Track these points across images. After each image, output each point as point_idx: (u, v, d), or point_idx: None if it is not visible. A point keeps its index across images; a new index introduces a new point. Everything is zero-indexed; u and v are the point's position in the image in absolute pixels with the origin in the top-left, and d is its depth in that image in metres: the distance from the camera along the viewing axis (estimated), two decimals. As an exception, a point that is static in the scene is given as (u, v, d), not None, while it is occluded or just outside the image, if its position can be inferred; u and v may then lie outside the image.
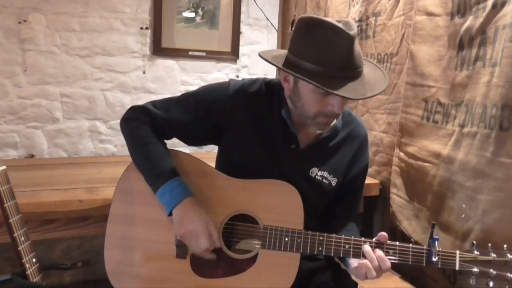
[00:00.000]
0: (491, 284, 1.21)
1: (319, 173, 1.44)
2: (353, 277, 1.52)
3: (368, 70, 1.31)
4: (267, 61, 1.31)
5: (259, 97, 1.44)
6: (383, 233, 1.28)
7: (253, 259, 1.34)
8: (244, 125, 1.43)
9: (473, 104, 1.58)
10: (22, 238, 1.34)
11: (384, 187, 2.15)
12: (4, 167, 1.34)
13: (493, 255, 1.23)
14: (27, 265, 1.34)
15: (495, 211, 1.46)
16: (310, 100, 1.30)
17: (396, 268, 2.04)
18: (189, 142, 1.54)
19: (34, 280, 1.36)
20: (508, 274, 1.20)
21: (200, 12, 2.99)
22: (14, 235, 1.32)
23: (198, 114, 1.44)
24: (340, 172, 1.46)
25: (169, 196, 1.34)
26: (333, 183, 1.45)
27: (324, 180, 1.44)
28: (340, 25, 1.21)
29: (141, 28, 2.86)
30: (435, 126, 1.78)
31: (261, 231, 1.34)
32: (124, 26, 2.82)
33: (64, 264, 1.55)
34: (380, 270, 1.23)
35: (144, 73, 2.92)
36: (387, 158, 2.13)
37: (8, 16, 2.55)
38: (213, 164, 1.52)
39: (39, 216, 1.66)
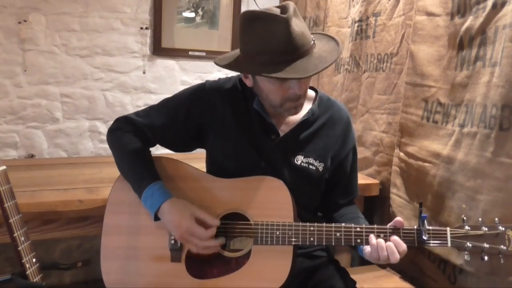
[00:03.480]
0: (485, 258, 1.22)
1: (304, 160, 1.45)
2: (352, 276, 1.52)
3: (322, 43, 1.33)
4: (219, 65, 1.34)
5: (235, 93, 1.48)
6: (399, 219, 1.28)
7: (247, 256, 1.35)
8: (225, 122, 1.45)
9: (473, 104, 1.58)
10: (22, 238, 1.34)
11: (384, 187, 2.15)
12: (4, 167, 1.34)
13: (485, 228, 1.23)
14: (27, 265, 1.34)
15: (495, 211, 1.46)
16: (271, 90, 1.33)
17: (397, 268, 2.04)
18: (174, 147, 1.55)
19: (34, 280, 1.36)
20: (502, 246, 1.20)
21: (200, 12, 2.99)
22: (14, 235, 1.32)
23: (178, 117, 1.47)
24: (325, 156, 1.47)
25: (151, 201, 1.36)
26: (320, 168, 1.46)
27: (311, 166, 1.45)
28: (274, 11, 1.24)
29: (141, 28, 2.86)
30: (435, 126, 1.78)
31: (252, 227, 1.35)
32: (124, 26, 2.82)
33: (64, 264, 1.55)
34: (394, 253, 1.23)
35: (144, 73, 2.92)
36: (387, 158, 2.13)
37: (8, 16, 2.55)
38: (201, 165, 1.53)
39: (39, 216, 1.66)
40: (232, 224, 1.38)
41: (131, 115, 1.52)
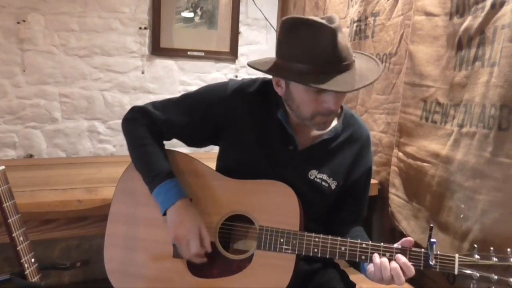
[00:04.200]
0: None
1: (318, 176, 1.42)
2: (351, 276, 1.52)
3: (361, 62, 1.30)
4: (253, 67, 1.30)
5: (257, 97, 1.43)
6: (409, 239, 1.25)
7: (249, 259, 1.34)
8: (242, 126, 1.42)
9: (472, 104, 1.59)
10: (21, 238, 1.34)
11: (383, 187, 2.15)
12: (3, 167, 1.34)
13: (495, 259, 1.18)
14: (26, 265, 1.34)
15: (494, 211, 1.46)
16: (304, 101, 1.29)
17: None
18: (188, 143, 1.54)
19: (33, 280, 1.36)
20: (511, 279, 1.16)
21: (199, 12, 2.99)
22: (13, 235, 1.32)
23: (196, 115, 1.44)
24: (340, 175, 1.44)
25: (164, 197, 1.35)
26: (333, 186, 1.43)
27: (323, 183, 1.42)
28: (321, 20, 1.20)
29: (140, 28, 2.86)
30: (434, 126, 1.78)
31: (256, 231, 1.34)
32: (123, 26, 2.81)
33: (63, 264, 1.55)
34: (400, 276, 1.19)
35: (143, 73, 2.92)
36: (386, 158, 2.13)
37: (7, 16, 2.54)
38: (213, 164, 1.52)
39: (38, 216, 1.66)
40: (237, 226, 1.38)
41: (148, 106, 1.48)
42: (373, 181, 2.18)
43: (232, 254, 1.37)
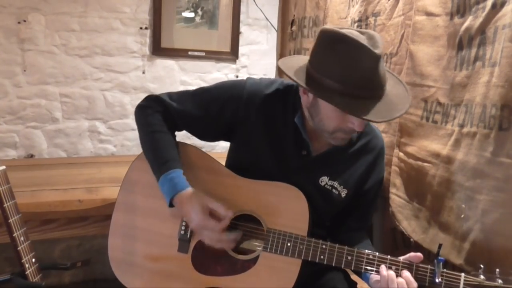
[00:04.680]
0: None
1: (329, 183, 1.41)
2: (353, 277, 1.52)
3: (391, 84, 1.27)
4: (289, 77, 1.27)
5: (275, 99, 1.42)
6: (418, 254, 1.25)
7: (254, 260, 1.34)
8: (256, 127, 1.41)
9: (472, 104, 1.58)
10: (22, 238, 1.34)
11: (384, 187, 2.14)
12: (4, 167, 1.34)
13: (500, 281, 1.18)
14: (27, 265, 1.34)
15: (494, 211, 1.46)
16: (330, 117, 1.27)
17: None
18: (200, 136, 1.53)
19: (34, 280, 1.36)
20: None
21: (200, 12, 2.99)
22: (14, 235, 1.32)
23: (211, 110, 1.43)
24: (351, 183, 1.43)
25: (168, 186, 1.34)
26: (343, 194, 1.42)
27: (334, 190, 1.42)
28: (364, 41, 1.16)
29: (141, 28, 2.86)
30: (435, 126, 1.78)
31: (264, 233, 1.34)
32: (123, 26, 2.82)
33: (63, 264, 1.56)
34: None
35: (143, 73, 2.92)
36: (386, 158, 2.12)
37: (7, 16, 2.55)
38: (223, 161, 1.52)
39: (38, 216, 1.66)
40: (244, 226, 1.38)
41: (164, 95, 1.48)
42: (373, 181, 2.18)
43: (237, 253, 1.37)
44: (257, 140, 1.41)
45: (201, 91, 1.48)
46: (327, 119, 1.28)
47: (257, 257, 1.33)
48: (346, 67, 1.17)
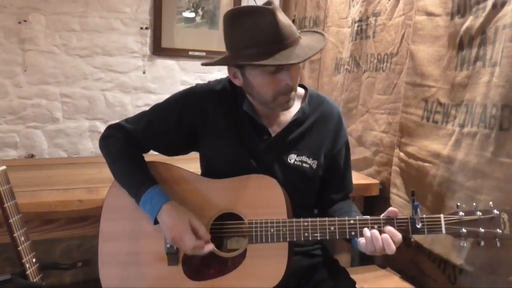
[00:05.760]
0: (482, 243, 1.22)
1: (297, 158, 1.45)
2: (352, 275, 1.52)
3: (307, 37, 1.35)
4: (206, 64, 1.37)
5: (225, 95, 1.47)
6: (394, 209, 1.28)
7: (243, 255, 1.35)
8: (216, 125, 1.45)
9: (473, 104, 1.58)
10: (22, 238, 1.34)
11: (384, 187, 2.15)
12: (4, 167, 1.34)
13: (479, 213, 1.23)
14: (27, 265, 1.34)
15: (495, 211, 1.46)
16: (262, 84, 1.33)
17: (397, 268, 2.04)
18: (168, 152, 1.55)
19: (34, 280, 1.36)
20: (497, 230, 1.20)
21: (200, 12, 2.99)
22: (14, 235, 1.32)
23: (170, 122, 1.46)
24: (318, 153, 1.47)
25: (150, 205, 1.35)
26: (314, 166, 1.46)
27: (304, 164, 1.45)
28: (259, 5, 1.27)
29: (141, 28, 2.86)
30: (435, 126, 1.78)
31: (246, 226, 1.35)
32: (124, 26, 2.81)
33: (64, 264, 1.56)
34: (390, 245, 1.23)
35: (144, 73, 2.92)
36: (387, 158, 2.13)
37: (8, 16, 2.55)
38: (194, 165, 1.54)
39: (39, 216, 1.66)
40: (226, 224, 1.38)
41: (122, 122, 1.51)
42: (374, 181, 2.19)
43: (226, 253, 1.38)
44: (221, 137, 1.45)
45: (156, 108, 1.52)
46: (261, 88, 1.34)
47: (245, 251, 1.35)
48: (251, 32, 1.27)
